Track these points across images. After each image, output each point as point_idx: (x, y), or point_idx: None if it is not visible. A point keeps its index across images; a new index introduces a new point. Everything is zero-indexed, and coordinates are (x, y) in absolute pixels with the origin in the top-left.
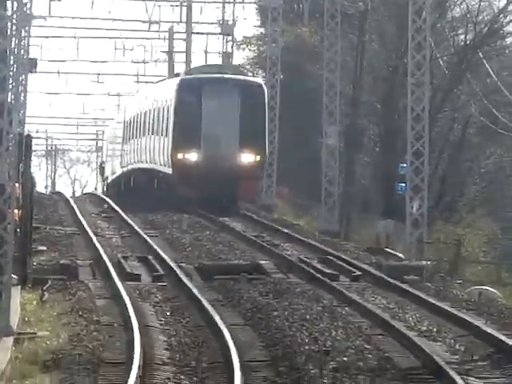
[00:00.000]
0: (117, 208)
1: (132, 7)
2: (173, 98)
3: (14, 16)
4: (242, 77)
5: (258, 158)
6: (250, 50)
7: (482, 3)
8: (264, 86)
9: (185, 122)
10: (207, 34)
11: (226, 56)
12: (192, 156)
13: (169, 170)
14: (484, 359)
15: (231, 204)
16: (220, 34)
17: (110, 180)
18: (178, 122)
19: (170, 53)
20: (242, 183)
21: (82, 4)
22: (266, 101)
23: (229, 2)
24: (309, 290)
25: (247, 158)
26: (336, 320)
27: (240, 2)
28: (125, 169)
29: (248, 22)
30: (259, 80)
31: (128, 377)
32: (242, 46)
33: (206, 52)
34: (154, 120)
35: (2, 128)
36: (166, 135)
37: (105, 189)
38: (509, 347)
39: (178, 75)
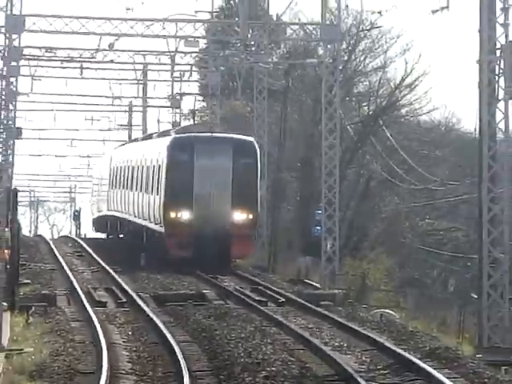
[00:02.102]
0: (88, 248)
1: (98, 85)
2: (165, 157)
3: (3, 93)
4: (234, 135)
5: (251, 216)
6: (194, 120)
7: (382, 80)
8: (256, 144)
9: (177, 180)
10: (159, 107)
11: (176, 125)
12: (184, 215)
13: (160, 229)
14: (385, 368)
15: (224, 264)
16: (170, 107)
17: (95, 216)
18: (170, 181)
19: (130, 122)
20: (236, 242)
21: (58, 83)
22: (259, 158)
23: (176, 81)
24: (243, 313)
25: (240, 216)
26: (265, 337)
27: (186, 81)
28: (111, 212)
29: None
30: (251, 138)
31: None
32: (188, 117)
33: (158, 121)
34: (144, 176)
35: None
36: (158, 193)
37: (92, 225)
38: (405, 359)
39: (167, 133)
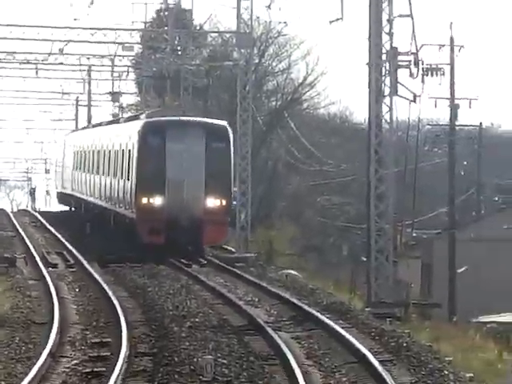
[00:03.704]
0: (42, 220)
1: (51, 83)
2: (135, 141)
3: None
4: (207, 119)
5: (224, 201)
6: (131, 113)
7: (287, 80)
8: (229, 129)
9: (148, 165)
10: (102, 101)
11: (115, 116)
12: (156, 201)
13: (131, 215)
14: (290, 319)
15: (197, 249)
16: (111, 101)
17: (60, 191)
18: (141, 166)
19: (76, 115)
20: (208, 228)
21: (17, 81)
22: (232, 143)
23: (116, 80)
24: (171, 273)
25: (213, 202)
26: (190, 294)
27: (124, 79)
28: (75, 193)
29: (129, 93)
30: (224, 123)
31: (51, 332)
32: (126, 110)
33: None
34: (112, 160)
35: None
36: (128, 178)
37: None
38: (306, 311)
39: (137, 117)
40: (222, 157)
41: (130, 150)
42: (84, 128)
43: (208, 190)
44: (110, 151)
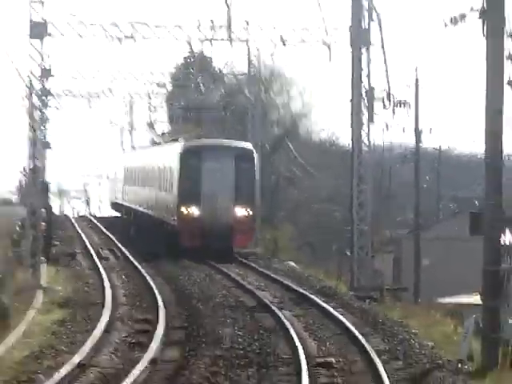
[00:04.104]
0: (97, 223)
1: (103, 114)
2: (177, 161)
3: (39, 119)
4: (236, 142)
5: (250, 212)
6: (165, 138)
7: (286, 111)
8: (254, 151)
9: (188, 181)
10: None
11: (152, 142)
12: (194, 211)
13: (173, 222)
14: (290, 300)
15: (227, 252)
16: (148, 128)
17: (113, 201)
18: (182, 182)
19: (121, 140)
20: (237, 234)
21: (73, 113)
22: (256, 163)
23: (152, 111)
24: (198, 265)
25: (241, 212)
26: (212, 281)
27: (158, 112)
28: (125, 203)
29: (162, 122)
30: (249, 145)
31: (103, 311)
32: (160, 136)
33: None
34: (157, 176)
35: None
36: (170, 192)
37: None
38: (302, 294)
39: (177, 141)
40: (248, 174)
41: (170, 168)
42: (133, 150)
43: (237, 201)
44: (153, 168)
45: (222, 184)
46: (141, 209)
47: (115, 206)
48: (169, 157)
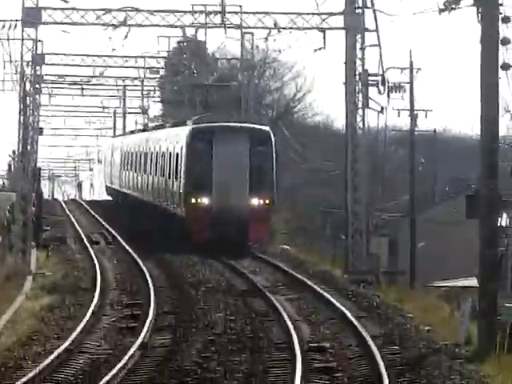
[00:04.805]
0: (87, 206)
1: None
2: (184, 145)
3: (31, 105)
4: (250, 125)
5: (267, 201)
6: (157, 122)
7: (280, 96)
8: (271, 133)
9: (197, 168)
10: (134, 113)
11: (145, 126)
12: (204, 201)
13: (181, 213)
14: (284, 285)
15: (242, 246)
16: (141, 113)
17: (108, 185)
18: (189, 169)
19: (114, 125)
20: (253, 226)
21: (66, 98)
22: (273, 146)
23: (145, 96)
24: (190, 249)
25: (257, 201)
26: (204, 265)
27: (151, 96)
28: (124, 189)
29: (156, 107)
30: (266, 127)
31: (94, 296)
32: (153, 120)
33: (136, 122)
34: (160, 162)
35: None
36: (177, 179)
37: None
38: (297, 278)
39: (184, 123)
40: (265, 159)
41: (177, 154)
42: (130, 133)
43: (252, 190)
44: (157, 153)
45: (235, 170)
46: (139, 195)
47: (112, 191)
48: (174, 140)
